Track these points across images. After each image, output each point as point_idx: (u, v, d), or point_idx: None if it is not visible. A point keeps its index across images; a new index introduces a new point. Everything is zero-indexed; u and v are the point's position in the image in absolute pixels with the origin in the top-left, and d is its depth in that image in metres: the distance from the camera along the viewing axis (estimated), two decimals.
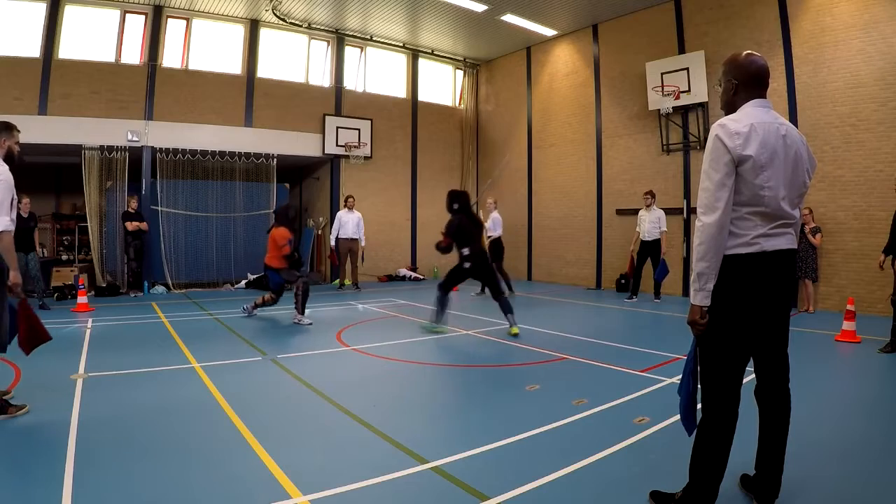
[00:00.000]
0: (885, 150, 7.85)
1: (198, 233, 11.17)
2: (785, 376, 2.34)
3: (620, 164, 11.43)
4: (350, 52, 13.18)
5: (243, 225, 11.63)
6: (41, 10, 9.79)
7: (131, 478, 2.67)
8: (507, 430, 3.32)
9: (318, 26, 12.29)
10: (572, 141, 12.47)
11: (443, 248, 6.56)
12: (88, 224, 10.30)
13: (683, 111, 10.19)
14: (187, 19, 11.12)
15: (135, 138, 10.39)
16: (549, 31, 12.41)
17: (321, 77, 12.89)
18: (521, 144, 13.70)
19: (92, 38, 10.34)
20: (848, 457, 2.97)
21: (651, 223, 9.44)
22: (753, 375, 2.41)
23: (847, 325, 6.10)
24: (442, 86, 14.92)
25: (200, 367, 4.83)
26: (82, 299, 8.13)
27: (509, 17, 11.52)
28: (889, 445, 3.14)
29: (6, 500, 2.43)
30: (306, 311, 7.22)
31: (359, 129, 12.80)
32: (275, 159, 11.81)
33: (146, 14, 10.64)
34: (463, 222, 6.44)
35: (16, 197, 3.50)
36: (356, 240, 11.00)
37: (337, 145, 12.53)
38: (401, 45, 13.60)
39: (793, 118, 8.62)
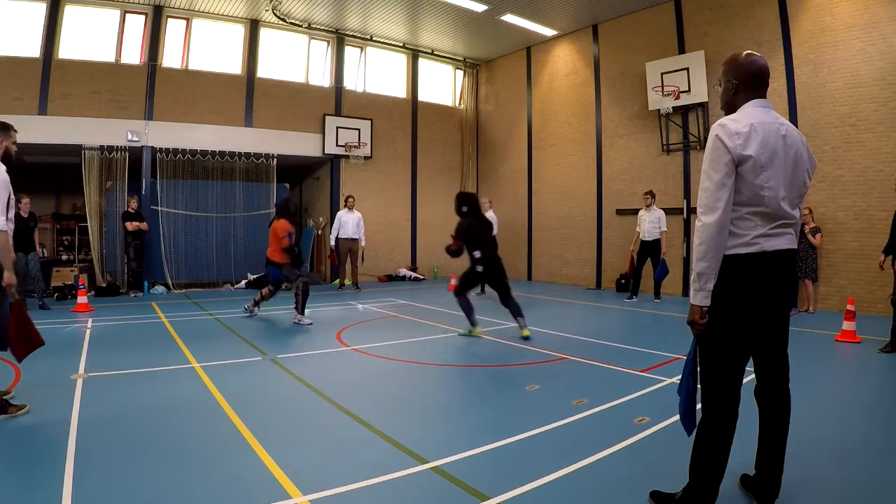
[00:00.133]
0: (885, 150, 7.85)
1: (198, 233, 11.17)
2: (785, 376, 2.34)
3: (620, 164, 11.43)
4: (350, 52, 13.18)
5: (243, 225, 11.63)
6: (41, 10, 9.79)
7: (131, 478, 2.67)
8: (507, 430, 3.32)
9: (318, 26, 12.29)
10: (572, 141, 12.47)
11: (453, 251, 6.45)
12: (88, 224, 10.30)
13: (683, 111, 10.19)
14: (187, 19, 11.12)
15: (135, 138, 10.39)
16: (549, 31, 12.40)
17: (321, 77, 12.89)
18: (521, 144, 13.70)
19: (92, 38, 10.34)
20: (848, 457, 2.97)
21: (651, 223, 9.44)
22: (753, 375, 2.40)
23: (847, 325, 6.10)
24: (442, 86, 14.92)
25: (200, 367, 4.83)
26: (82, 299, 8.13)
27: (509, 17, 11.52)
28: (889, 445, 3.14)
29: (6, 500, 2.43)
30: (306, 311, 7.21)
31: (359, 129, 12.80)
32: (275, 159, 11.81)
33: (146, 14, 10.64)
34: (473, 224, 6.31)
35: (13, 197, 3.49)
36: (356, 240, 11.00)
37: (337, 145, 12.53)
38: (401, 45, 13.60)
39: (793, 118, 8.62)
